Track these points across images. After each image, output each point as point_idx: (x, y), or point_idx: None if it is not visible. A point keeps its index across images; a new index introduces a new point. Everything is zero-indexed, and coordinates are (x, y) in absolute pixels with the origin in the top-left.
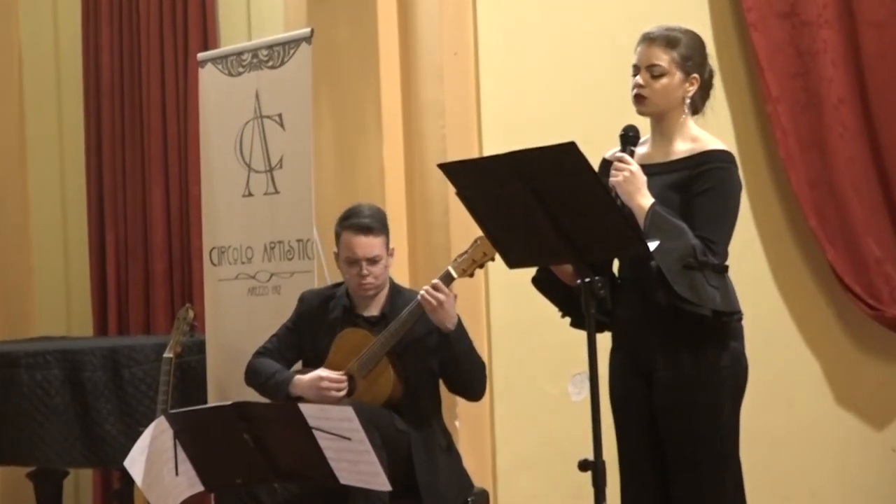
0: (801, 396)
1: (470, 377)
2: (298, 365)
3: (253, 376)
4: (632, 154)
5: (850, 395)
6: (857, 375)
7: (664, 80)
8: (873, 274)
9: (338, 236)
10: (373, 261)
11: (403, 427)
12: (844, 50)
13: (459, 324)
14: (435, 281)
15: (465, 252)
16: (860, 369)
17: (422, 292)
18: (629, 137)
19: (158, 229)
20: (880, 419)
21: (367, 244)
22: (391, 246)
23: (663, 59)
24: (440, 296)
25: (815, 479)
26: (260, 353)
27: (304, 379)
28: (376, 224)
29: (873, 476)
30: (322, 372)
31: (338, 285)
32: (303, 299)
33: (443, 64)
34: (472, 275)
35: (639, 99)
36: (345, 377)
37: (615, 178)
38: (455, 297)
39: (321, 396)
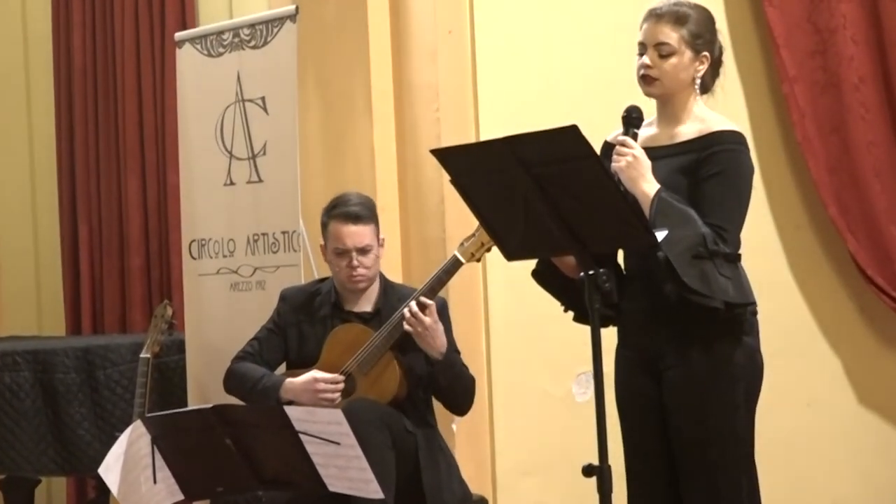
0: (821, 396)
1: (453, 401)
2: (282, 368)
3: (235, 382)
4: (635, 137)
5: (873, 394)
6: (881, 373)
7: (673, 60)
8: None
9: (324, 227)
10: (363, 251)
11: (412, 428)
12: (866, 25)
13: (449, 351)
14: (422, 298)
15: (473, 235)
16: (884, 367)
17: (405, 312)
18: (632, 119)
19: (135, 221)
20: None
21: (357, 233)
22: (381, 236)
23: (672, 37)
24: (425, 319)
25: (837, 483)
26: (240, 358)
27: (297, 382)
28: (365, 212)
29: None
30: (316, 373)
31: (321, 281)
32: (284, 297)
33: (437, 43)
34: (479, 259)
35: (647, 80)
36: (341, 377)
37: (617, 163)
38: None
39: (316, 400)
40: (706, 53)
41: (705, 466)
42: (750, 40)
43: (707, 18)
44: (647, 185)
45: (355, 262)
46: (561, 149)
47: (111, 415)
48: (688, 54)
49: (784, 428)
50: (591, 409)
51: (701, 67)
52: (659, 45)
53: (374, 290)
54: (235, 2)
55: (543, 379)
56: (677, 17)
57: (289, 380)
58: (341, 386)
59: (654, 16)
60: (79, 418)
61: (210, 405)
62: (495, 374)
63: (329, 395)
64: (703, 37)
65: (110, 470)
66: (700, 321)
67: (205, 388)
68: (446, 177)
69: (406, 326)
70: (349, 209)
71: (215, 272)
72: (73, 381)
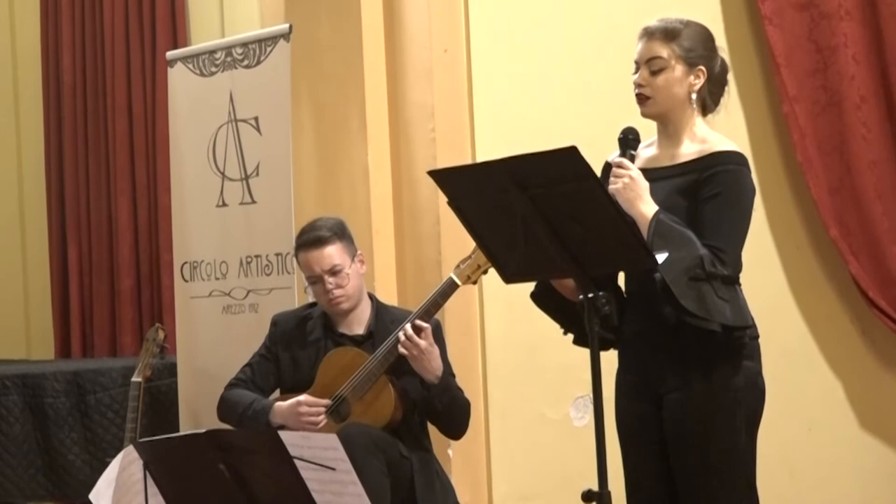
0: (823, 420)
1: (449, 424)
2: (276, 394)
3: (227, 409)
4: (632, 158)
5: (875, 418)
6: (883, 397)
7: (665, 75)
8: None
9: (297, 260)
10: (333, 272)
11: (407, 452)
12: (867, 44)
13: (444, 374)
14: (417, 321)
15: (469, 257)
16: (886, 390)
17: (400, 335)
18: (629, 140)
19: (125, 243)
20: None
21: (321, 256)
22: (358, 252)
23: (662, 52)
24: (421, 342)
25: None
26: (232, 385)
27: (284, 406)
28: (327, 233)
29: None
30: (301, 397)
31: (312, 305)
32: (276, 323)
33: (432, 62)
34: (475, 282)
35: (641, 99)
36: (325, 401)
37: (614, 184)
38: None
39: (300, 424)
40: (702, 67)
41: (706, 491)
42: (750, 60)
43: (700, 33)
44: (645, 207)
45: (329, 285)
46: (560, 170)
47: (102, 439)
48: (679, 68)
49: (785, 451)
50: (588, 433)
51: (696, 82)
52: (650, 61)
53: (366, 311)
54: (228, 20)
55: (541, 403)
56: (667, 33)
57: (277, 404)
58: (322, 409)
59: (647, 34)
60: (69, 443)
61: (203, 430)
62: (492, 397)
63: (312, 419)
64: (695, 50)
65: (101, 496)
66: (699, 344)
67: (197, 412)
68: (442, 198)
69: (401, 350)
70: (309, 236)
71: (207, 295)
72: (62, 405)
